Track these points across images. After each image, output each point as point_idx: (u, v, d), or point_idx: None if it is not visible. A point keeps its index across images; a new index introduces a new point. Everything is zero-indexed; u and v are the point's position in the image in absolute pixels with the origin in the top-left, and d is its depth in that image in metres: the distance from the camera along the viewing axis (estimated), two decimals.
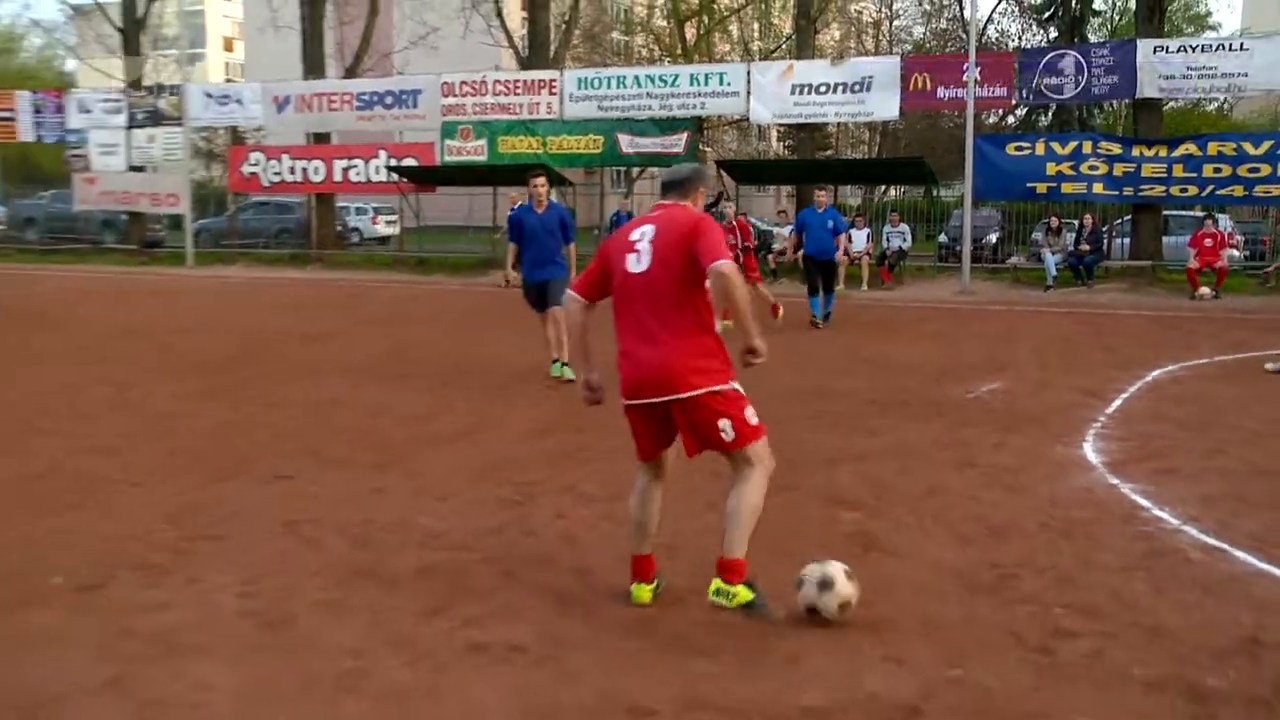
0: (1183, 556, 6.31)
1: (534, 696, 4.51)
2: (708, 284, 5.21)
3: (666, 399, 5.26)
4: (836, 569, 5.29)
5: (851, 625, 5.27)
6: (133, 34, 38.63)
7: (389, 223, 40.34)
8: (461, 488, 7.77)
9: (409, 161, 32.57)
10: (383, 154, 33.29)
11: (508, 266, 13.05)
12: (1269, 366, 12.84)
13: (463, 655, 4.92)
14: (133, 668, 4.80)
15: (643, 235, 5.33)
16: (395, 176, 32.63)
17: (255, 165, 34.95)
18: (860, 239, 27.15)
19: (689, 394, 5.22)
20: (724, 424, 5.25)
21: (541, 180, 12.35)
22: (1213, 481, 8.05)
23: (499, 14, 38.73)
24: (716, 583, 5.24)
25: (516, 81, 31.94)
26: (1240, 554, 6.42)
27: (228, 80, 64.86)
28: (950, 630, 5.25)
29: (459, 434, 9.63)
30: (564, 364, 11.79)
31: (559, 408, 10.74)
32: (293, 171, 34.33)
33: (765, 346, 5.30)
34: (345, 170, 33.85)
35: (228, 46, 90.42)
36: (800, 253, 18.38)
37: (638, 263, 5.31)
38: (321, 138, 35.40)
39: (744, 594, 5.21)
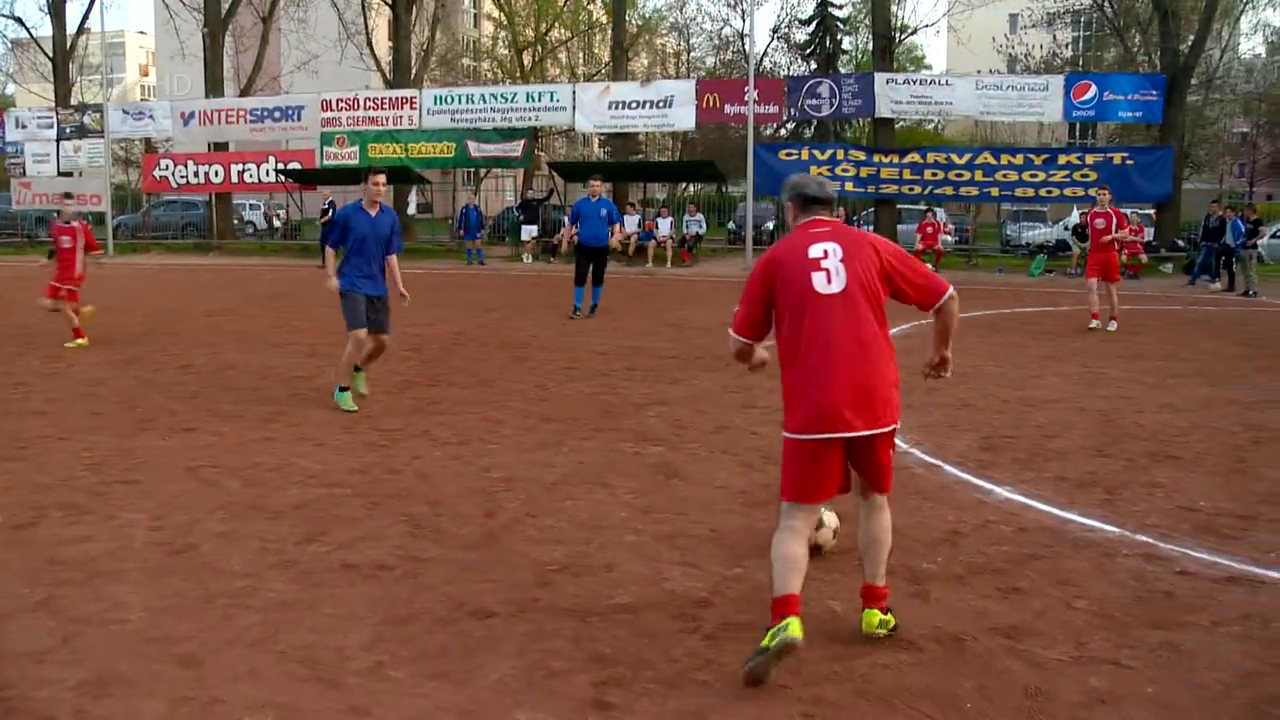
0: (910, 472, 6.51)
1: (397, 606, 4.45)
2: (934, 311, 4.21)
3: (871, 432, 3.97)
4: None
5: (653, 537, 5.31)
6: (62, 62, 37.16)
7: (279, 217, 39.36)
8: (335, 435, 7.60)
9: (294, 165, 31.79)
10: (272, 159, 32.50)
11: (332, 273, 8.81)
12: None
13: (337, 573, 4.82)
14: (60, 590, 4.62)
15: (828, 253, 4.03)
16: (283, 178, 31.88)
17: (165, 170, 34.01)
18: (665, 225, 27.41)
19: (890, 427, 4.05)
20: (890, 462, 4.15)
21: (381, 179, 8.92)
22: (931, 413, 8.32)
23: (369, 43, 38.21)
24: (876, 614, 4.14)
25: (383, 98, 31.46)
26: (949, 468, 6.68)
27: (142, 99, 62.13)
28: (733, 538, 5.34)
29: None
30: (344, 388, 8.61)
31: (418, 367, 10.59)
32: (197, 175, 33.58)
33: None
34: (240, 173, 33.05)
35: (143, 71, 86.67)
36: (575, 239, 15.42)
37: (828, 282, 4.01)
38: (220, 146, 34.63)
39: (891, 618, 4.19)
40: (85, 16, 39.32)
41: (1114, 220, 13.71)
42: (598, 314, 14.85)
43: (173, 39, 37.77)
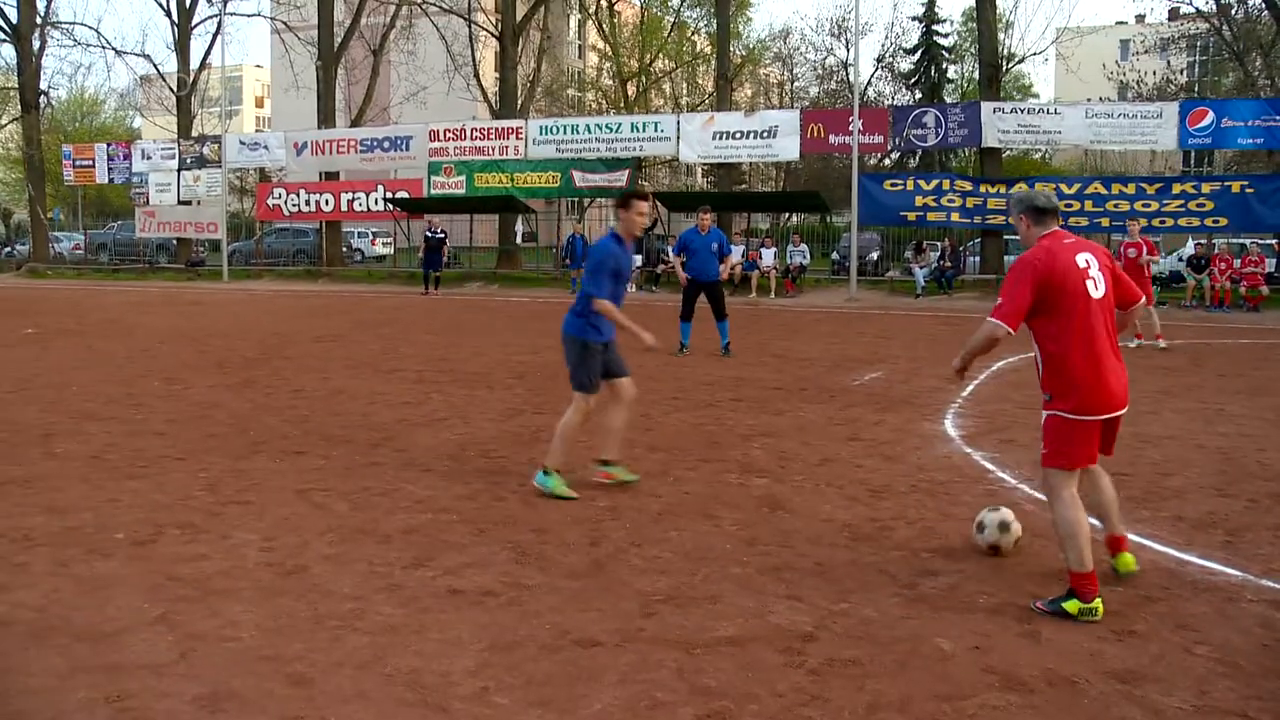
0: (1019, 509, 6.36)
1: (502, 632, 4.48)
2: (1133, 310, 5.04)
3: (1124, 411, 4.90)
4: (1009, 514, 5.52)
5: (758, 570, 5.29)
6: (185, 97, 38.72)
7: (384, 244, 40.25)
8: (442, 461, 7.71)
9: (402, 194, 32.48)
10: (380, 188, 33.23)
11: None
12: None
13: (443, 598, 4.88)
14: (178, 606, 4.75)
15: (1090, 263, 4.80)
16: (391, 206, 32.58)
17: (278, 198, 35.01)
18: (768, 256, 27.38)
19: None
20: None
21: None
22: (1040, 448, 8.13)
23: (476, 75, 38.75)
24: (1130, 556, 5.18)
25: (490, 129, 31.96)
26: None
27: (258, 130, 64.22)
28: (838, 572, 5.28)
29: (440, 418, 9.54)
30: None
31: (523, 395, 10.68)
32: (308, 203, 34.46)
33: None
34: (350, 202, 33.84)
35: (259, 103, 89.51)
36: (682, 272, 14.30)
37: (1096, 289, 4.76)
38: (331, 175, 35.49)
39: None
40: (207, 53, 40.94)
41: (1144, 249, 15.07)
42: (731, 353, 13.94)
43: (287, 72, 38.96)
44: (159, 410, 9.87)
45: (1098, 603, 4.61)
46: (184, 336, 16.44)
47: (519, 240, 37.68)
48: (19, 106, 42.06)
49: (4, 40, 40.63)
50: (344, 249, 37.67)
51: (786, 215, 44.58)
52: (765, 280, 26.51)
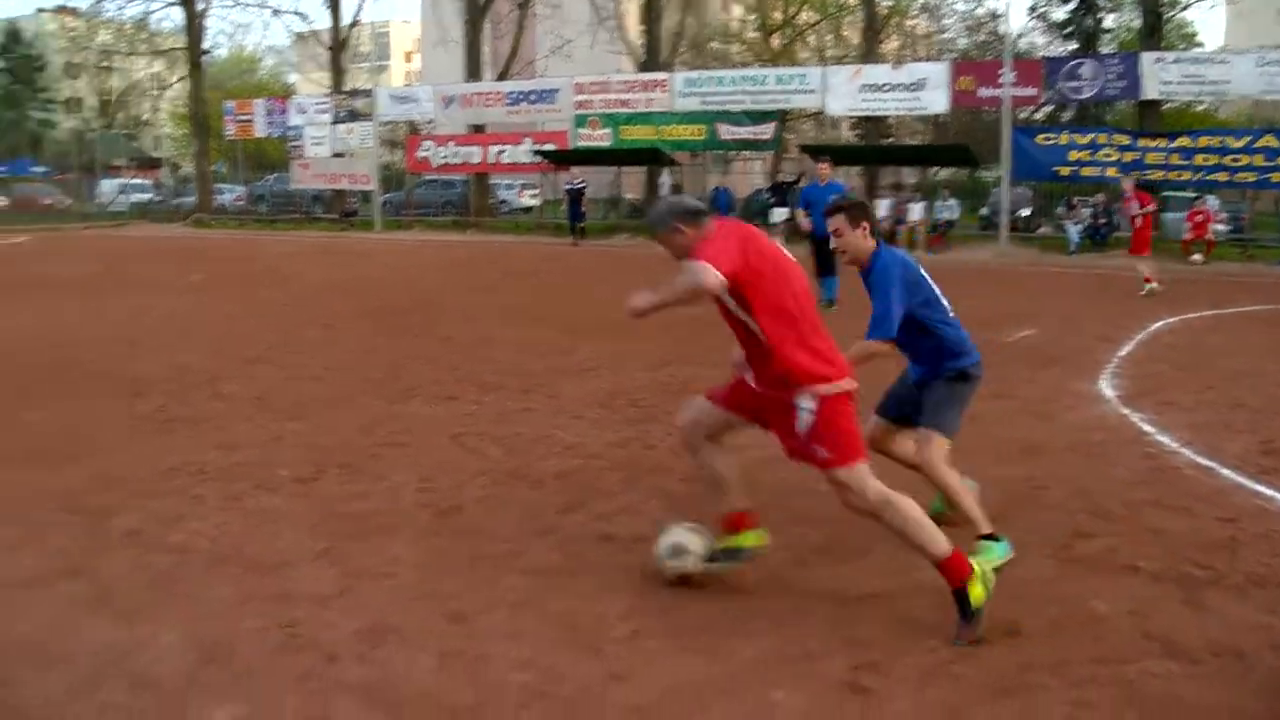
0: (1179, 473, 6.14)
1: (653, 578, 4.51)
2: None
3: None
4: (683, 533, 4.46)
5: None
6: (337, 52, 39.66)
7: (533, 195, 40.69)
8: (592, 409, 7.80)
9: (549, 146, 32.73)
10: (527, 141, 33.54)
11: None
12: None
13: (596, 544, 4.95)
14: (340, 543, 4.92)
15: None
16: (538, 158, 32.88)
17: (427, 151, 35.62)
18: (916, 210, 26.78)
19: None
20: None
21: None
22: (1203, 412, 7.80)
23: (620, 27, 38.70)
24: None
25: (635, 81, 31.96)
26: (1225, 471, 6.23)
27: (407, 85, 65.33)
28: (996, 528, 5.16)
29: (589, 366, 9.64)
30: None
31: (669, 347, 10.68)
32: (456, 155, 34.87)
33: None
34: (497, 154, 34.21)
35: (407, 58, 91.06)
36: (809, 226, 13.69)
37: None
38: (478, 128, 35.88)
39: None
40: (359, 9, 41.93)
41: (1134, 203, 15.89)
42: (835, 308, 13.28)
43: (435, 27, 39.59)
44: (317, 356, 10.22)
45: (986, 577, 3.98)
46: (339, 285, 16.97)
47: (666, 194, 37.66)
48: (186, 66, 43.86)
49: (174, 4, 42.38)
50: (491, 200, 38.24)
51: (934, 169, 43.50)
52: (913, 235, 25.95)
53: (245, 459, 6.36)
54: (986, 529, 4.60)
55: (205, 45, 43.92)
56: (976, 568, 3.98)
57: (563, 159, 32.64)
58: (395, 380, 8.94)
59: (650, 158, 32.12)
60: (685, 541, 4.41)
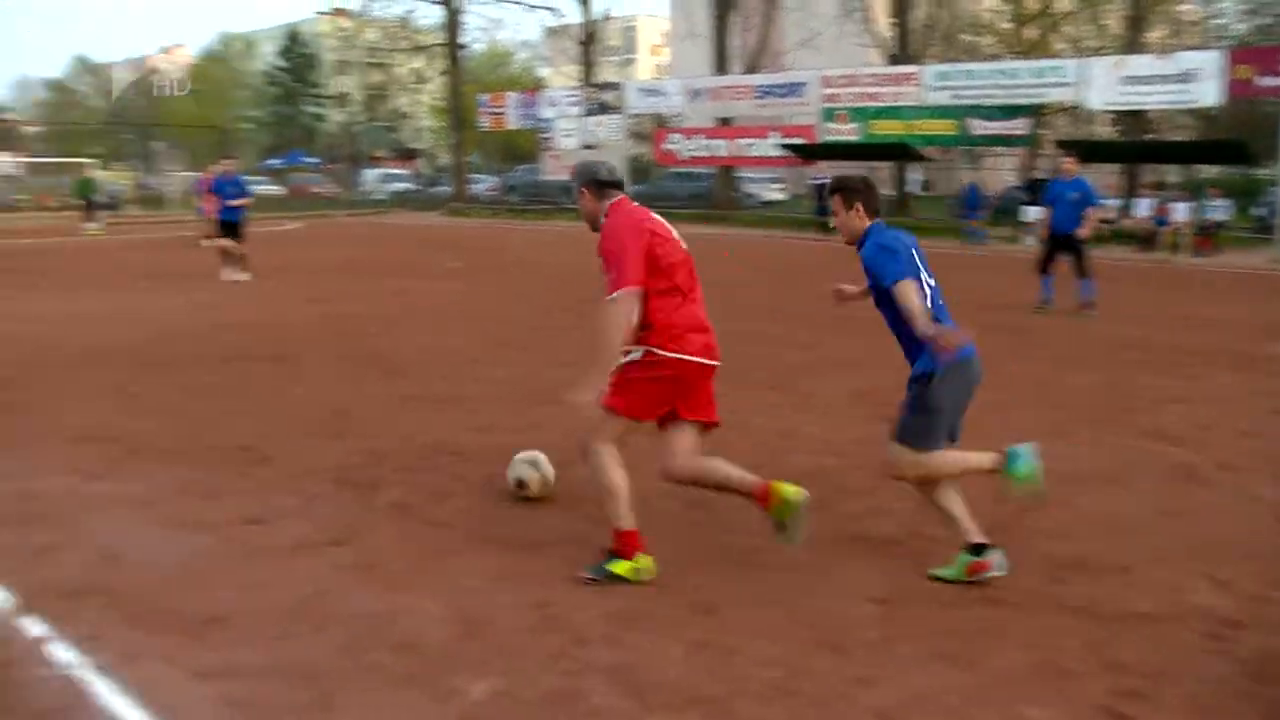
0: None
1: (905, 582, 4.44)
2: None
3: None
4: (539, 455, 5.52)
5: (1174, 544, 4.91)
6: (587, 46, 40.82)
7: (780, 189, 40.60)
8: (840, 405, 7.72)
9: (796, 140, 32.55)
10: (773, 134, 33.48)
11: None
12: None
13: (845, 543, 4.90)
14: (591, 528, 5.01)
15: (664, 222, 4.93)
16: (786, 152, 32.75)
17: (675, 144, 36.05)
18: (1182, 210, 25.13)
19: None
20: None
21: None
22: None
23: (869, 19, 38.10)
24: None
25: (884, 74, 31.37)
26: None
27: (655, 78, 66.47)
28: (1270, 558, 4.82)
29: (835, 361, 9.55)
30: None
31: None
32: (703, 148, 35.15)
33: None
34: (744, 148, 34.29)
35: (654, 51, 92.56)
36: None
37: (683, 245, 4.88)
38: (725, 122, 36.07)
39: None
40: (610, 4, 42.97)
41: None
42: (1089, 314, 12.54)
43: (684, 20, 40.02)
44: (568, 341, 10.51)
45: (644, 559, 4.45)
46: (588, 273, 17.37)
47: (917, 189, 36.85)
48: (444, 61, 46.08)
49: (435, 2, 44.65)
50: (736, 194, 38.38)
51: (1202, 167, 40.71)
52: (1177, 237, 24.37)
53: (501, 441, 6.61)
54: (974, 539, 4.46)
55: (462, 40, 45.98)
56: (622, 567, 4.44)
57: (810, 153, 32.37)
58: None
59: (899, 153, 31.46)
60: (541, 461, 5.48)
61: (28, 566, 4.61)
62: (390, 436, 6.79)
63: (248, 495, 5.58)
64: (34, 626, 4.02)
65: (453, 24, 44.45)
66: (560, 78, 49.24)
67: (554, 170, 39.15)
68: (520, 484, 5.49)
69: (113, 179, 48.01)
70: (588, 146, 37.72)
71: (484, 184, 48.02)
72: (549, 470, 5.53)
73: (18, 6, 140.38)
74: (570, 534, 4.97)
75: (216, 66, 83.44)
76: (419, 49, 51.39)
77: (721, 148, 34.96)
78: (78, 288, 15.47)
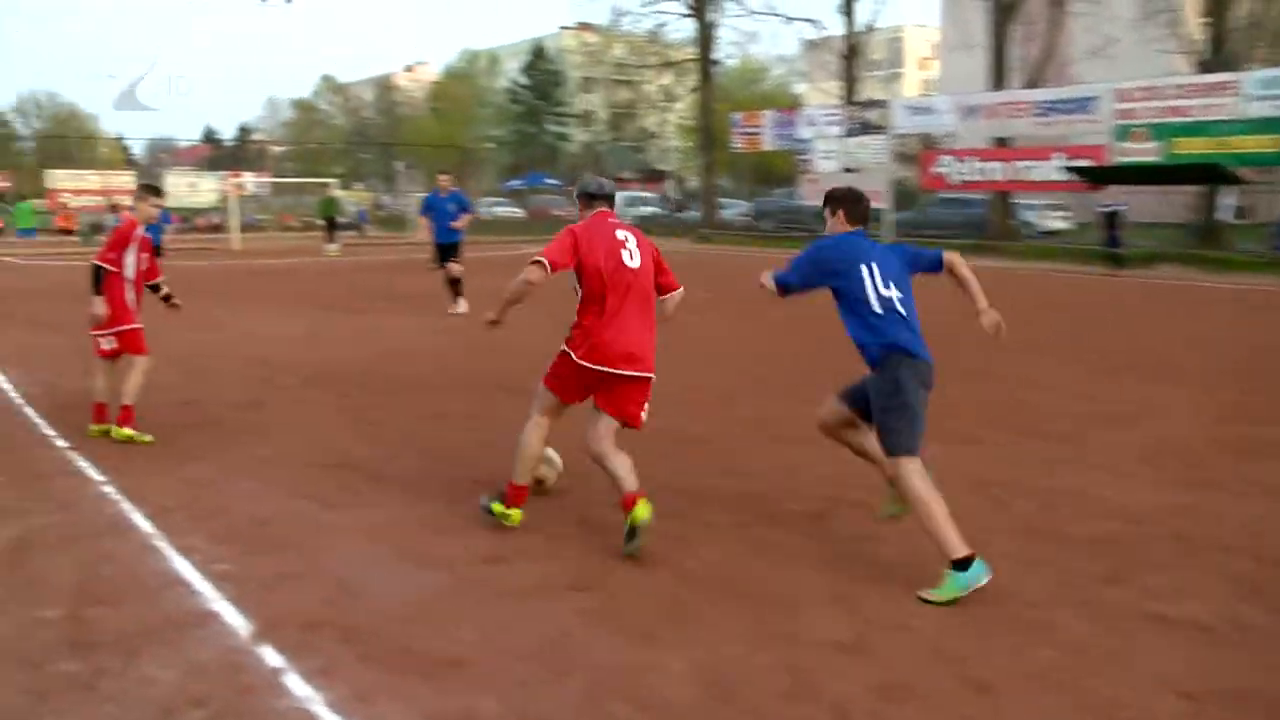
0: None
1: (1219, 675, 4.16)
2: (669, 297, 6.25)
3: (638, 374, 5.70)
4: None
5: None
6: (849, 60, 40.85)
7: (1063, 218, 39.16)
8: (1135, 464, 7.35)
9: (1083, 162, 31.33)
10: (1057, 156, 32.34)
11: None
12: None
13: (1145, 623, 4.64)
14: (855, 587, 5.01)
15: (628, 239, 5.81)
16: (1072, 176, 31.53)
17: (945, 166, 35.30)
18: None
19: None
20: None
21: None
22: None
23: (1176, 21, 36.24)
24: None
25: (1194, 85, 29.70)
26: None
27: (923, 94, 65.55)
28: None
29: (1130, 413, 9.10)
30: None
31: (1232, 399, 9.79)
32: (977, 172, 34.29)
33: None
34: (1022, 170, 33.29)
35: (922, 65, 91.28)
36: None
37: (631, 260, 5.79)
38: (1002, 142, 35.19)
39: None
40: (876, 13, 42.73)
41: None
42: None
43: (956, 30, 39.32)
44: (827, 379, 10.43)
45: (516, 513, 5.81)
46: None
47: (1230, 216, 34.64)
48: (695, 78, 46.88)
49: (687, 15, 45.54)
50: (1012, 222, 37.28)
51: None
52: None
53: (754, 488, 6.64)
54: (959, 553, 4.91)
55: (715, 55, 46.66)
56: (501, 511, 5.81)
57: (1099, 177, 31.05)
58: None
59: (1208, 175, 29.72)
60: (553, 458, 6.34)
61: (265, 594, 4.93)
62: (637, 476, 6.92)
63: (489, 532, 5.80)
64: (271, 657, 4.29)
65: (705, 38, 45.22)
66: (818, 94, 49.20)
67: (811, 195, 39.04)
68: (539, 483, 6.18)
69: (352, 199, 51.18)
70: (848, 170, 37.44)
71: (734, 209, 48.45)
72: (559, 461, 6.42)
73: (272, 31, 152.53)
74: (831, 594, 4.93)
75: (459, 84, 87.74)
76: (669, 64, 52.52)
77: (997, 171, 34.02)
78: (317, 308, 16.55)
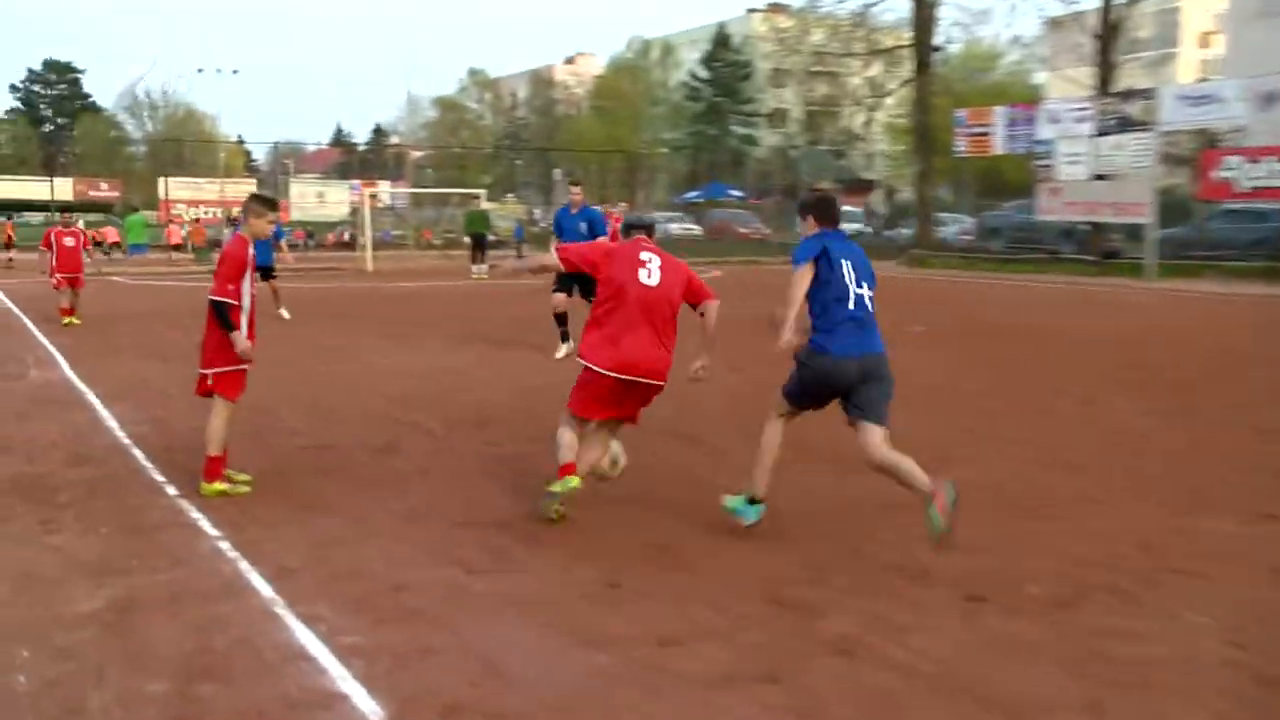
0: None
1: None
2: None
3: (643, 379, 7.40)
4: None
5: None
6: (1106, 41, 39.84)
7: None
8: None
9: None
10: None
11: None
12: None
13: None
14: (1109, 693, 4.86)
15: (650, 260, 7.57)
16: None
17: (1233, 170, 33.84)
18: None
19: None
20: None
21: None
22: None
23: None
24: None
25: None
26: None
27: (1202, 79, 63.52)
28: None
29: None
30: None
31: None
32: (1277, 175, 32.70)
33: None
34: None
35: (1203, 42, 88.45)
36: None
37: (649, 278, 7.53)
38: None
39: None
40: None
41: None
42: None
43: None
44: (1072, 436, 10.23)
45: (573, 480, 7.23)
46: (1097, 346, 16.90)
47: None
48: (909, 67, 46.39)
49: None
50: None
51: None
52: None
53: (982, 565, 6.50)
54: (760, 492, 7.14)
55: (935, 40, 45.98)
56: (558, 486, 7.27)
57: None
58: (1179, 480, 8.71)
59: None
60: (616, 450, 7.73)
61: (399, 673, 5.02)
62: (835, 546, 6.89)
63: (661, 608, 5.83)
64: None
65: (923, 19, 44.55)
66: (1062, 85, 48.01)
67: (1053, 209, 37.96)
68: (601, 478, 7.62)
69: (502, 212, 52.18)
70: (1099, 177, 36.34)
71: (955, 226, 47.55)
72: (622, 457, 7.76)
73: (412, 18, 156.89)
74: (1082, 700, 4.79)
75: (627, 78, 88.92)
76: (878, 52, 51.88)
77: None
78: (462, 339, 17.18)
